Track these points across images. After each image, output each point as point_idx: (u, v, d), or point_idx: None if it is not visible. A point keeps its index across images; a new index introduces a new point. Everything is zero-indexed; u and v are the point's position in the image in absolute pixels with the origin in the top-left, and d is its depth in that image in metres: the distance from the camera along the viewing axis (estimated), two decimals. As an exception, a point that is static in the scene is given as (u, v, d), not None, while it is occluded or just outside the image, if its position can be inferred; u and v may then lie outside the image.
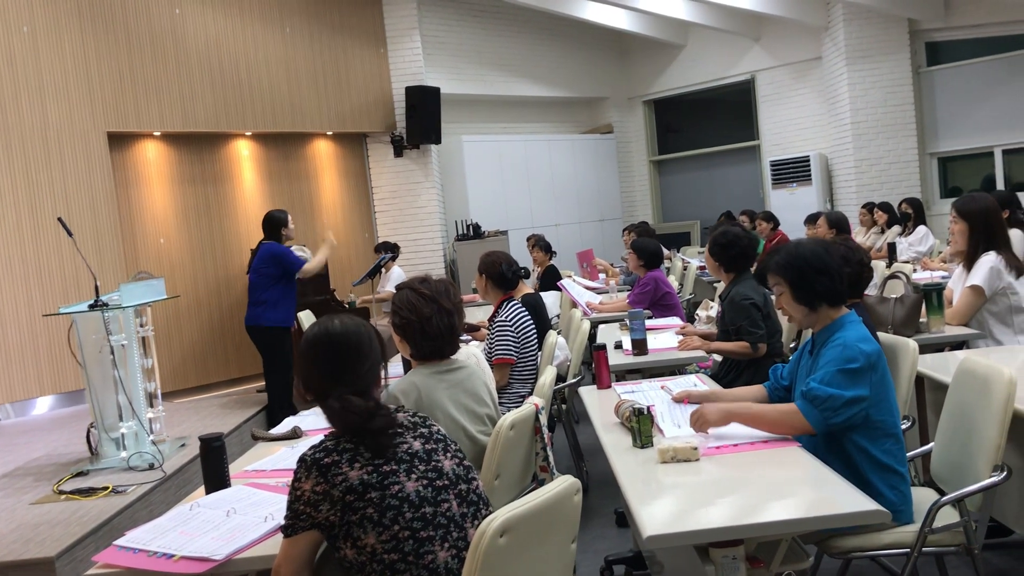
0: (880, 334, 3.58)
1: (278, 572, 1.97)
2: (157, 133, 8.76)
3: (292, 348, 7.00)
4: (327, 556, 2.05)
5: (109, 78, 8.18)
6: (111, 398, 5.47)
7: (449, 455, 2.10)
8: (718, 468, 2.45)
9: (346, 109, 10.27)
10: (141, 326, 5.85)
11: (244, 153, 9.58)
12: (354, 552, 1.95)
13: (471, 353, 3.46)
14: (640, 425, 2.70)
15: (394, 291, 3.10)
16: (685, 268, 9.33)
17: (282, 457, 3.03)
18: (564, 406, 5.00)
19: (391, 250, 8.86)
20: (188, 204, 9.05)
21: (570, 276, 8.70)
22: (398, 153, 10.65)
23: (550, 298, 7.18)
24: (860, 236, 10.04)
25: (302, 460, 1.99)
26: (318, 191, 10.28)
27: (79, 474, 5.01)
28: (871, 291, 4.40)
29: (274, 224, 6.71)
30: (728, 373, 4.48)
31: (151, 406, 5.78)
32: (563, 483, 1.98)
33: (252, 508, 2.40)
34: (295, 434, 3.42)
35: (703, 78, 13.05)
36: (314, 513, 1.95)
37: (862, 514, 2.00)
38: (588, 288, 7.99)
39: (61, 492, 4.62)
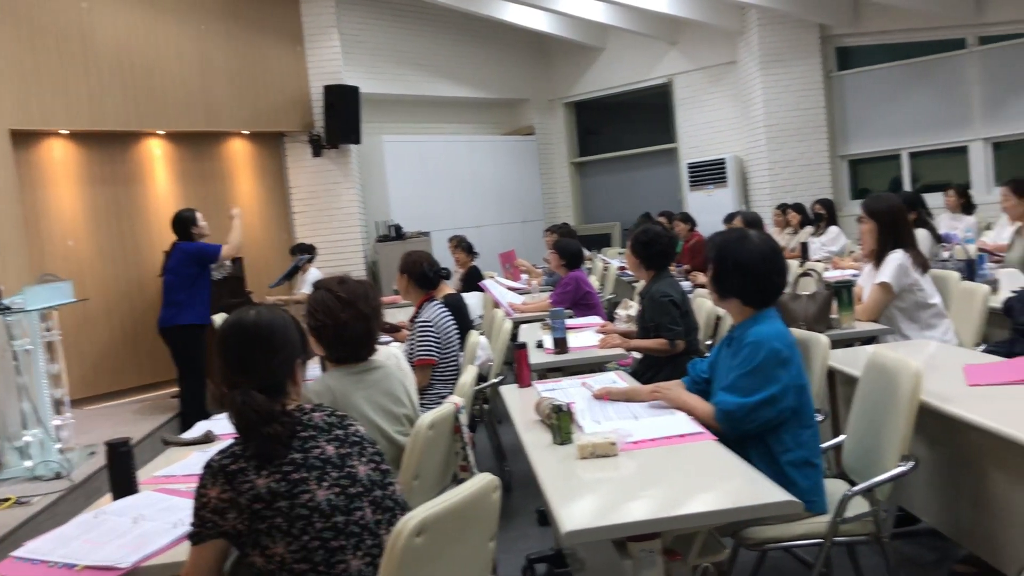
0: (792, 330, 3.66)
1: None
2: (64, 131, 8.45)
3: (207, 349, 6.84)
4: (241, 560, 1.99)
5: (11, 74, 7.84)
6: (14, 405, 5.26)
7: (365, 459, 2.03)
8: (636, 463, 2.46)
9: (263, 108, 10.08)
10: (47, 330, 5.64)
11: (156, 153, 9.31)
12: (263, 560, 1.88)
13: (391, 354, 3.41)
14: (560, 422, 2.70)
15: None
16: (606, 268, 9.41)
17: (193, 462, 2.93)
18: (486, 406, 4.99)
19: (308, 251, 8.73)
20: (98, 205, 8.74)
21: (492, 277, 8.69)
22: (316, 153, 10.49)
23: (473, 299, 7.16)
24: (775, 236, 10.28)
25: (208, 466, 1.92)
26: (234, 191, 10.05)
27: (-21, 486, 4.80)
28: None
29: (183, 223, 6.59)
30: (648, 370, 4.52)
31: (58, 413, 5.58)
32: (481, 481, 1.97)
33: (161, 514, 2.32)
34: (208, 439, 3.32)
35: (622, 81, 13.20)
36: (220, 521, 1.87)
37: (775, 504, 2.04)
38: (511, 289, 7.99)
39: (-40, 505, 4.41)
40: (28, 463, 5.12)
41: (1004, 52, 10.15)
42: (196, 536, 1.89)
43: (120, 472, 2.50)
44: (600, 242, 12.84)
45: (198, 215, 6.61)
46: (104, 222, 8.78)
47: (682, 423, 2.75)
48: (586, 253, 10.32)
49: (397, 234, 10.89)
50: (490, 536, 2.06)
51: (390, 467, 2.10)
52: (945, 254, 6.10)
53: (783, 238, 9.86)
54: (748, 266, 2.84)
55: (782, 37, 11.02)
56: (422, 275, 4.59)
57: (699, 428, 2.70)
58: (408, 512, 1.81)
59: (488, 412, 5.05)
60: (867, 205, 4.51)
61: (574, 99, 13.94)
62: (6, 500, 4.38)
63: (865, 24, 10.81)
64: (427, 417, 2.67)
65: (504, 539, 4.19)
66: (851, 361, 3.51)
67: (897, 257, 4.32)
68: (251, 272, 9.20)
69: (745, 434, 2.74)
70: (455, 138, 12.70)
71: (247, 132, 10.06)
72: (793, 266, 6.90)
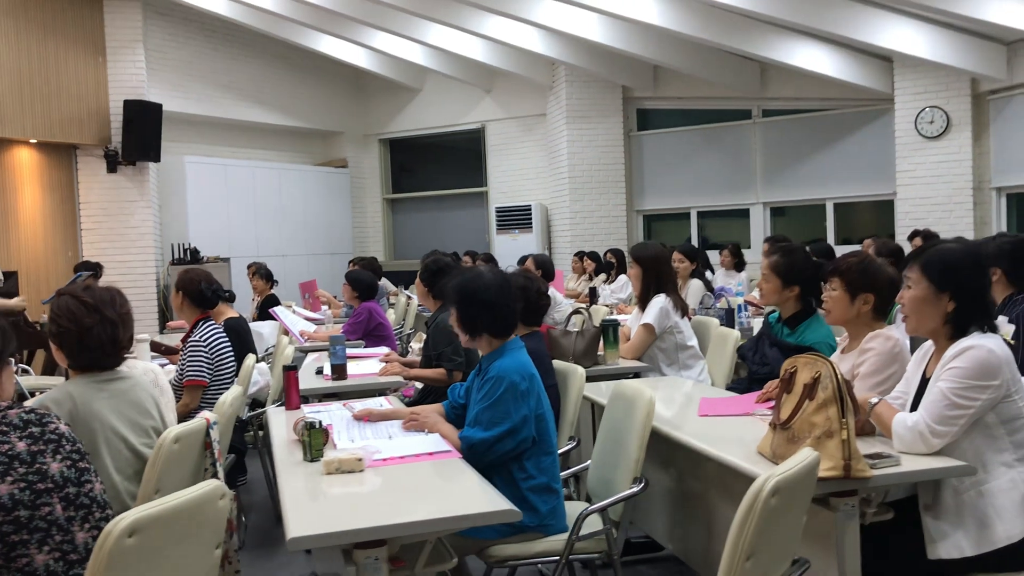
0: (555, 361, 3.86)
1: None
2: None
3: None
4: None
5: None
6: None
7: (60, 457, 2.00)
8: (380, 478, 2.52)
9: (55, 117, 9.56)
10: None
11: (-73, 154, 8.64)
12: None
13: (148, 368, 3.33)
14: (311, 439, 2.72)
15: None
16: (408, 303, 9.48)
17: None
18: (261, 432, 4.90)
19: (91, 269, 8.29)
20: None
21: (290, 306, 8.56)
22: (111, 169, 10.04)
23: (268, 327, 7.04)
24: (572, 282, 10.72)
25: None
26: (16, 203, 9.44)
27: None
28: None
29: None
30: (426, 398, 4.61)
31: None
32: (206, 487, 1.96)
33: None
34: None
35: (437, 122, 13.45)
36: None
37: (494, 513, 2.15)
38: (309, 319, 7.90)
39: None
40: None
41: (783, 125, 11.15)
42: None
43: None
44: (408, 278, 12.88)
45: None
46: None
47: (432, 442, 2.84)
48: (391, 288, 10.41)
49: (193, 258, 10.53)
50: (216, 543, 2.05)
51: (89, 466, 2.07)
52: (718, 304, 6.58)
53: (580, 284, 10.30)
54: (490, 299, 2.98)
55: (588, 95, 11.60)
56: (198, 293, 4.48)
57: (447, 447, 2.80)
58: (107, 511, 1.79)
59: (264, 438, 4.96)
60: (634, 252, 4.83)
61: (389, 136, 14.05)
62: None
63: (663, 89, 11.57)
64: (173, 430, 2.62)
65: (269, 567, 4.14)
66: (605, 393, 3.72)
67: (659, 301, 4.64)
68: (30, 287, 8.65)
69: (490, 464, 2.85)
70: (264, 164, 12.48)
71: (35, 141, 9.50)
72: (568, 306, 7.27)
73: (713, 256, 9.59)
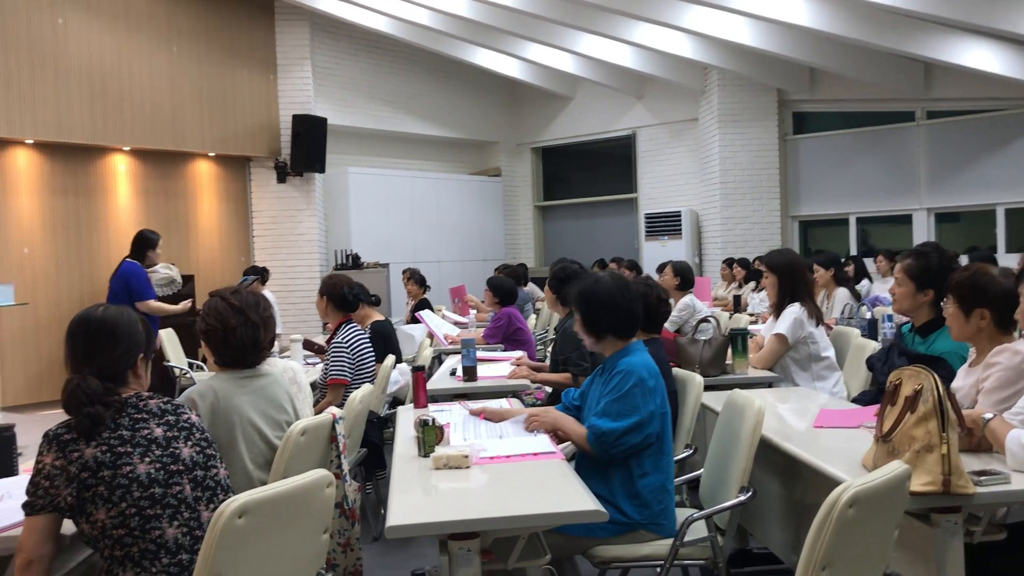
0: (676, 369, 3.88)
1: (22, 547, 2.07)
2: (29, 141, 8.64)
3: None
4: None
5: (-20, 81, 8.06)
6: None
7: (191, 443, 2.26)
8: (484, 475, 2.65)
9: (230, 132, 10.31)
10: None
11: (120, 168, 9.51)
12: (89, 527, 2.10)
13: (288, 367, 3.59)
14: (424, 435, 2.89)
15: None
16: (553, 309, 9.61)
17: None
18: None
19: (256, 273, 8.89)
20: (57, 215, 8.91)
21: (440, 310, 8.88)
22: (281, 179, 10.72)
23: (420, 330, 7.33)
24: (721, 289, 10.56)
25: (45, 435, 2.12)
26: (196, 212, 10.24)
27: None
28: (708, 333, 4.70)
29: (142, 244, 6.74)
30: (555, 402, 4.70)
31: (-10, 413, 5.69)
32: (313, 475, 2.14)
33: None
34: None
35: (589, 130, 13.56)
36: (51, 489, 2.08)
37: (582, 513, 2.23)
38: (457, 323, 8.19)
39: None
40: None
41: (949, 127, 10.56)
42: (30, 506, 2.09)
43: (1, 455, 2.66)
44: (558, 285, 13.05)
45: (159, 242, 6.77)
46: (62, 232, 8.94)
47: (538, 444, 2.95)
48: (539, 294, 10.58)
49: (354, 263, 11.08)
50: (323, 528, 2.23)
51: (216, 453, 2.30)
52: (868, 313, 6.35)
53: (730, 291, 10.14)
54: (612, 301, 3.06)
55: (741, 99, 11.40)
56: (340, 297, 4.77)
57: (553, 448, 2.89)
58: (230, 494, 1.99)
59: (393, 433, 5.19)
60: (767, 260, 4.75)
61: (541, 144, 14.27)
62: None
63: (821, 92, 11.21)
64: (300, 424, 2.84)
65: (400, 556, 4.36)
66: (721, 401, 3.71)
67: (794, 310, 4.54)
68: (205, 290, 9.32)
69: (612, 457, 2.93)
70: (421, 174, 12.97)
71: (213, 154, 10.28)
72: (724, 317, 7.19)
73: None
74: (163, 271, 7.79)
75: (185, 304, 7.13)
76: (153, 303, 6.73)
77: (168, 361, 7.44)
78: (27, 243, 8.66)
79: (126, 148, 9.44)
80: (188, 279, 8.69)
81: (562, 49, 11.24)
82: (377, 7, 10.47)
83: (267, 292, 9.10)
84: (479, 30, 11.00)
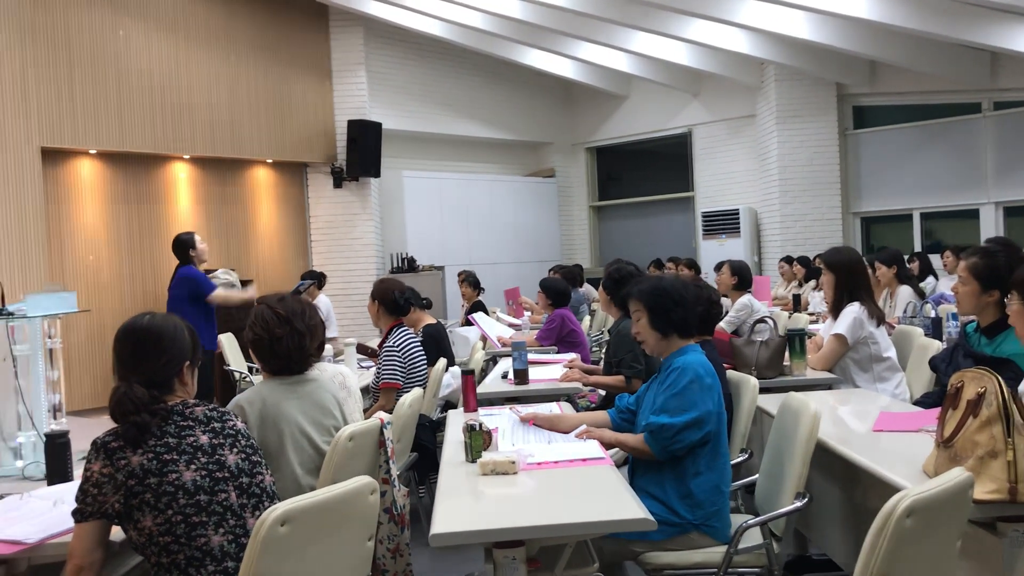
0: (730, 372, 3.80)
1: (72, 554, 2.10)
2: (93, 151, 8.86)
3: (212, 372, 7.11)
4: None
5: (47, 94, 8.29)
6: (11, 407, 5.50)
7: (236, 450, 2.26)
8: (532, 481, 2.61)
9: (287, 138, 10.45)
10: (49, 337, 5.91)
11: (181, 176, 9.70)
12: (136, 534, 2.11)
13: (338, 371, 3.60)
14: (472, 440, 2.86)
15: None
16: (609, 310, 9.53)
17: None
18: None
19: (313, 278, 8.98)
20: (120, 223, 9.12)
21: (495, 313, 8.87)
22: (337, 184, 10.83)
23: (475, 332, 7.32)
24: (781, 288, 10.36)
25: (93, 443, 2.14)
26: (254, 217, 10.40)
27: (-30, 480, 5.02)
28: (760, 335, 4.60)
29: (181, 247, 6.84)
30: (608, 405, 4.64)
31: (54, 418, 5.82)
32: (357, 482, 2.13)
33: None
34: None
35: (644, 129, 13.42)
36: (100, 496, 2.09)
37: (630, 521, 2.18)
38: (511, 325, 8.16)
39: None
40: (19, 463, 5.35)
41: (1018, 118, 10.21)
42: (79, 513, 2.11)
43: (55, 461, 2.71)
44: (615, 286, 12.95)
45: (197, 238, 6.87)
46: (125, 240, 9.15)
47: (587, 449, 2.90)
48: (594, 295, 10.50)
49: (410, 266, 11.13)
50: (367, 536, 2.22)
51: (261, 460, 2.30)
52: (932, 312, 6.16)
53: (790, 290, 9.93)
54: (680, 297, 3.02)
55: (799, 94, 11.18)
56: (391, 302, 4.78)
57: (602, 454, 2.84)
58: (275, 500, 1.99)
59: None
60: (826, 258, 4.63)
61: (596, 144, 14.18)
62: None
63: (881, 85, 10.94)
64: (348, 429, 2.84)
65: (452, 560, 4.35)
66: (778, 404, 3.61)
67: (853, 310, 4.41)
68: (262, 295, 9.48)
69: (672, 454, 2.87)
70: (475, 176, 12.98)
71: (271, 161, 10.43)
72: (783, 317, 7.05)
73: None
74: (223, 276, 7.92)
75: (250, 290, 7.26)
76: (220, 293, 6.86)
77: (228, 365, 7.55)
78: (92, 251, 8.88)
79: (186, 156, 9.63)
80: (247, 284, 8.81)
81: (616, 48, 11.15)
82: (430, 11, 10.51)
83: (323, 296, 9.19)
84: (531, 31, 10.97)
